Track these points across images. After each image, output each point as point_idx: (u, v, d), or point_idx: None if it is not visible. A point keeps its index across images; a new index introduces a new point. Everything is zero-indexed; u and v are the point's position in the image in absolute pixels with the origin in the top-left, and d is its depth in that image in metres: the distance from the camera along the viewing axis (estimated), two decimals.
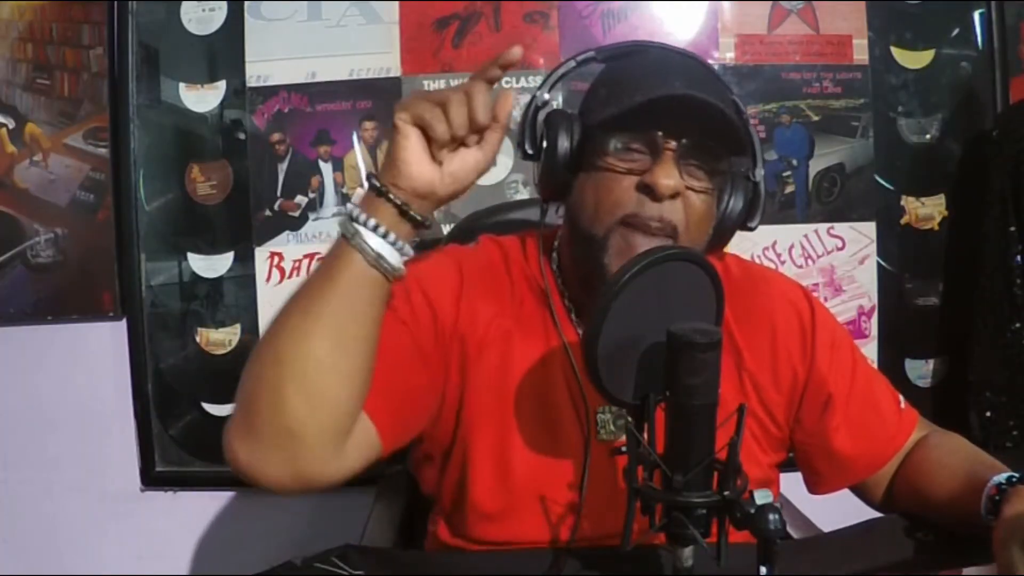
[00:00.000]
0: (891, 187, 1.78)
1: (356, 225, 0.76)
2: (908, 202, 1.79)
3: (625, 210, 0.84)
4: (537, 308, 0.93)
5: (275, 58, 1.75)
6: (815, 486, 1.00)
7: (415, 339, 0.87)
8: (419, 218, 0.77)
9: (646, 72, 0.87)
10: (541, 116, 0.91)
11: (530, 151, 0.92)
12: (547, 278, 0.93)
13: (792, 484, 1.02)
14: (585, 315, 0.92)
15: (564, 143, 0.88)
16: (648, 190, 0.84)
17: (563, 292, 0.94)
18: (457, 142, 0.77)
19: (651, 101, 0.82)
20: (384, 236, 0.76)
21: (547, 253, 0.96)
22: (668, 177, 0.83)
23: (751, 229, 0.94)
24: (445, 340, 0.90)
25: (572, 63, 0.94)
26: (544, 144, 0.89)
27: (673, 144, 0.84)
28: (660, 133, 0.84)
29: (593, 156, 0.87)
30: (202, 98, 1.77)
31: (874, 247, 1.78)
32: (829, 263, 1.77)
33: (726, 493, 0.65)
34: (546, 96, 0.92)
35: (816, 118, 1.77)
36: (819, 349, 0.95)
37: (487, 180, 1.74)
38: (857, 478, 0.97)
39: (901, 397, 1.00)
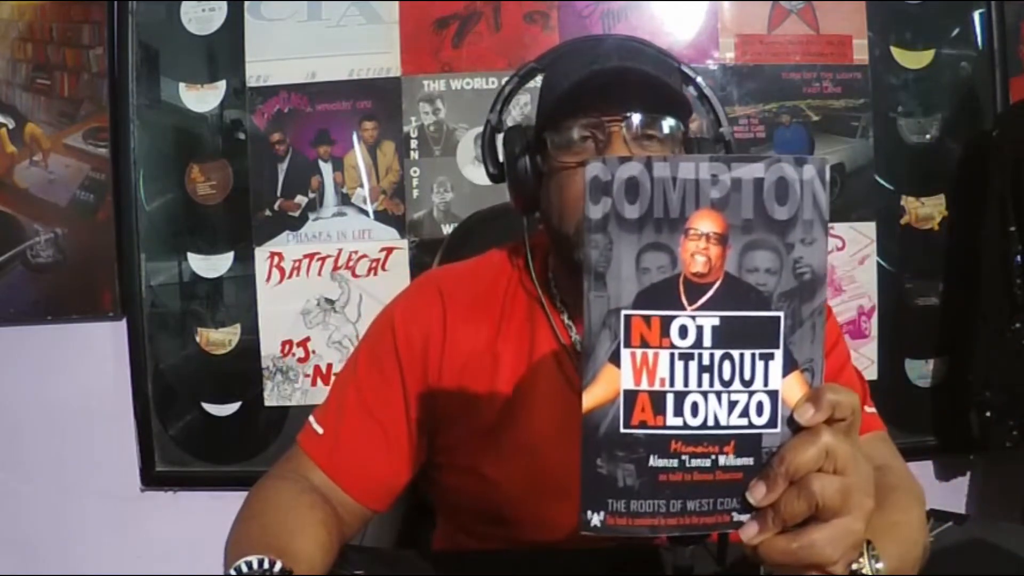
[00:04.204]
0: (891, 187, 1.78)
1: None
2: (908, 202, 1.78)
3: None
4: (529, 315, 0.94)
5: (275, 58, 1.75)
6: None
7: (390, 413, 0.90)
8: None
9: (576, 63, 0.86)
10: (499, 137, 0.93)
11: (494, 171, 0.95)
12: (538, 284, 0.94)
13: None
14: (578, 316, 0.92)
15: (522, 156, 0.90)
16: None
17: (555, 295, 0.95)
18: None
19: (578, 84, 0.82)
20: None
21: (544, 259, 0.97)
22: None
23: None
24: (427, 391, 0.91)
25: (516, 79, 0.95)
26: (504, 162, 0.92)
27: (618, 123, 0.83)
28: (601, 114, 0.84)
29: (549, 159, 0.88)
30: (202, 98, 1.77)
31: (874, 247, 1.78)
32: (829, 263, 1.77)
33: None
34: (499, 118, 0.94)
35: (816, 118, 1.76)
36: None
37: (488, 180, 1.75)
38: None
39: (872, 405, 0.95)
